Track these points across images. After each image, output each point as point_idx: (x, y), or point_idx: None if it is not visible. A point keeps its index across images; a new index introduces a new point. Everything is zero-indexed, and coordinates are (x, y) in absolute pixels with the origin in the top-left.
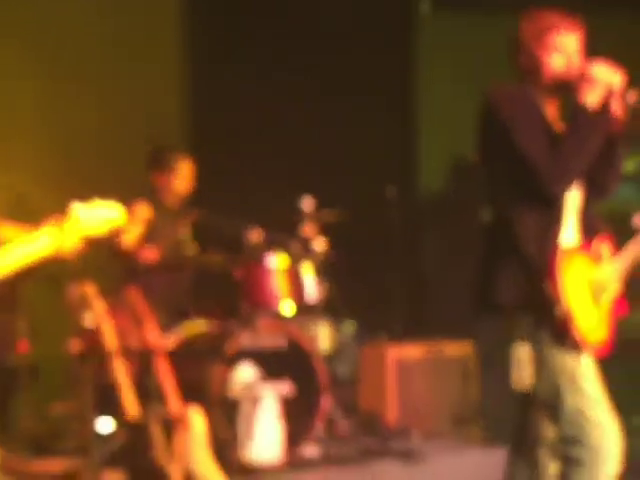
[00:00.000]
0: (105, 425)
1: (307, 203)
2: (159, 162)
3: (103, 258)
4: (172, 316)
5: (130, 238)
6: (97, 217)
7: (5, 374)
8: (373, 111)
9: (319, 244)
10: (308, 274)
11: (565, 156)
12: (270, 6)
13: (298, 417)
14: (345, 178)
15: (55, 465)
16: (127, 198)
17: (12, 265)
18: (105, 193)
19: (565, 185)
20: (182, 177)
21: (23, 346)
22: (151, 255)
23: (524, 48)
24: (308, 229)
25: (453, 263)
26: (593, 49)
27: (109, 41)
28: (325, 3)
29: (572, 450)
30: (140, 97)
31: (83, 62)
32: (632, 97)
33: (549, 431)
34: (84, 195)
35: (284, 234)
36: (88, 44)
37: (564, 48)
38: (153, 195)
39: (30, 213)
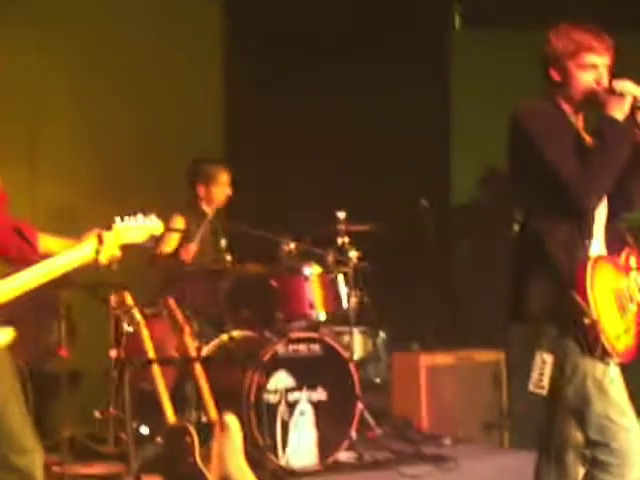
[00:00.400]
0: (144, 430)
1: (342, 216)
2: (200, 173)
3: (143, 269)
4: (209, 325)
5: (168, 249)
6: (137, 230)
7: (47, 379)
8: (406, 125)
9: (353, 255)
10: (342, 284)
11: (595, 170)
12: (304, 20)
13: (332, 423)
14: (380, 191)
15: (96, 469)
16: (167, 209)
17: (54, 272)
18: (147, 204)
19: (596, 199)
20: (221, 187)
21: (64, 352)
22: (188, 254)
23: (557, 63)
24: (343, 241)
25: (484, 273)
26: (620, 66)
27: (154, 58)
28: (358, 19)
29: (599, 454)
30: (182, 112)
31: (130, 79)
32: None
33: (577, 436)
34: (126, 206)
35: (320, 245)
36: (135, 61)
37: (595, 65)
38: (193, 206)
39: (77, 223)
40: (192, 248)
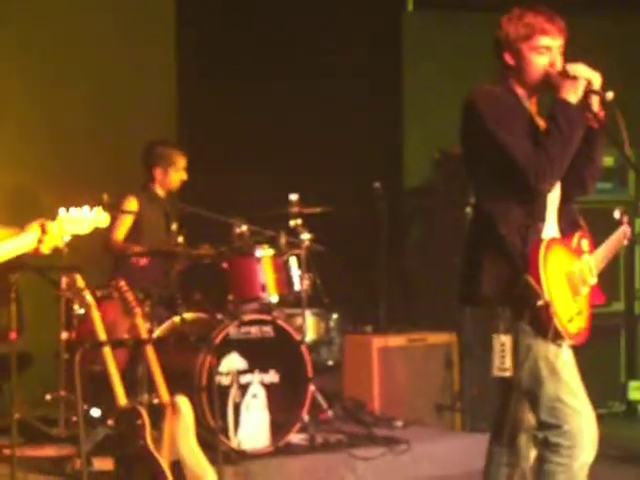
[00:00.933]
0: (95, 412)
1: (294, 198)
2: (159, 155)
3: (94, 250)
4: (161, 307)
5: (120, 232)
6: (82, 222)
7: None
8: (359, 109)
9: (306, 238)
10: (294, 266)
11: (549, 153)
12: (256, 5)
13: (284, 405)
14: (333, 174)
15: (47, 451)
16: (120, 191)
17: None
18: (100, 186)
19: (552, 181)
20: (179, 171)
21: (14, 335)
22: (145, 246)
23: (510, 47)
24: (296, 223)
25: (437, 256)
26: (573, 48)
27: (106, 42)
28: (311, 4)
29: (550, 435)
30: (135, 95)
31: (82, 62)
32: (609, 95)
33: (529, 418)
34: (79, 188)
35: (272, 228)
36: (86, 44)
37: (548, 48)
38: (147, 188)
39: (31, 208)
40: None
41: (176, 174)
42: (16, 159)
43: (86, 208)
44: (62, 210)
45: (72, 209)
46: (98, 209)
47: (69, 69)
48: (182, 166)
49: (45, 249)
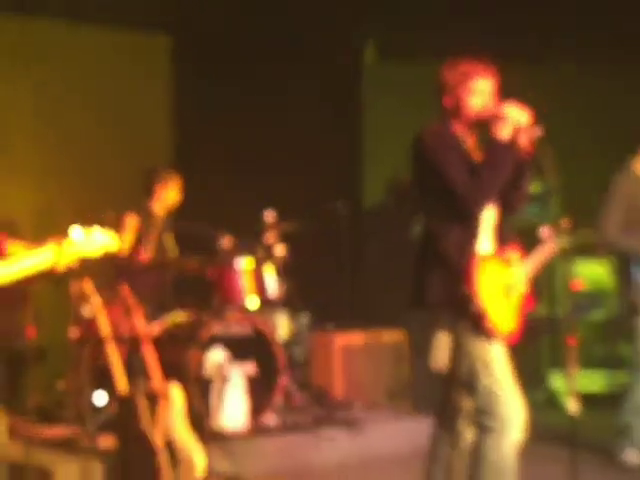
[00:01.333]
0: (100, 398)
1: (269, 215)
2: (159, 178)
3: (100, 261)
4: (156, 308)
5: (123, 244)
6: (94, 246)
7: (17, 355)
8: (329, 142)
9: (279, 249)
10: (270, 274)
11: (482, 182)
12: (240, 45)
13: (260, 392)
14: (304, 195)
15: (58, 431)
16: (121, 207)
17: (18, 273)
18: (108, 203)
19: (483, 206)
20: (175, 192)
21: (31, 332)
22: (144, 257)
23: (449, 91)
24: (270, 237)
25: (391, 267)
26: (504, 91)
27: (113, 77)
28: (285, 50)
29: (485, 420)
30: (137, 129)
31: (93, 95)
32: (537, 132)
33: (466, 404)
34: (89, 203)
35: (250, 241)
36: (97, 78)
37: (482, 91)
38: (144, 206)
39: (50, 224)
40: (147, 254)
41: (172, 194)
42: (38, 182)
43: (98, 229)
44: (76, 230)
45: (85, 229)
46: (110, 232)
47: (83, 102)
48: (177, 188)
49: (60, 267)
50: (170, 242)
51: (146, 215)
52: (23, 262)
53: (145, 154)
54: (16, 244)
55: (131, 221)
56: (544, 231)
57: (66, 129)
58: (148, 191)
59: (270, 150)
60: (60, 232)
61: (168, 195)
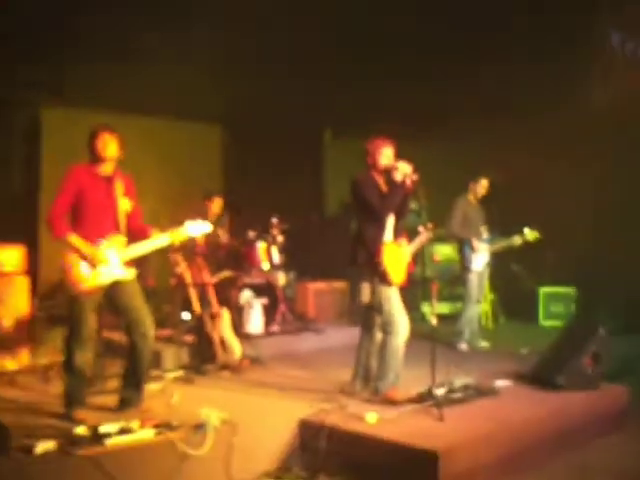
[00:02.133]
0: (185, 316)
1: (274, 219)
2: (210, 198)
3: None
4: (215, 268)
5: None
6: (196, 229)
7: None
8: (307, 182)
9: (280, 238)
10: (275, 251)
11: (386, 203)
12: (260, 136)
13: (270, 313)
14: (293, 209)
15: (164, 332)
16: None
17: (152, 247)
18: (187, 213)
19: (387, 215)
20: (219, 206)
21: (151, 281)
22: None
23: (370, 154)
24: (275, 231)
25: (339, 248)
26: (398, 155)
27: (185, 147)
28: (283, 135)
29: (387, 327)
30: (198, 182)
31: (175, 158)
32: (415, 177)
33: (378, 320)
34: (176, 213)
35: (264, 233)
36: (178, 150)
37: (387, 154)
38: (204, 215)
39: (152, 221)
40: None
41: (217, 207)
42: (155, 203)
43: (199, 221)
44: (187, 222)
45: (192, 222)
46: (206, 222)
47: (167, 167)
48: (220, 204)
49: (176, 242)
50: (223, 233)
51: (205, 217)
52: (155, 241)
53: (203, 191)
54: (156, 231)
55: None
56: (420, 230)
57: (162, 179)
58: (205, 204)
59: (276, 188)
60: (175, 226)
61: (216, 208)
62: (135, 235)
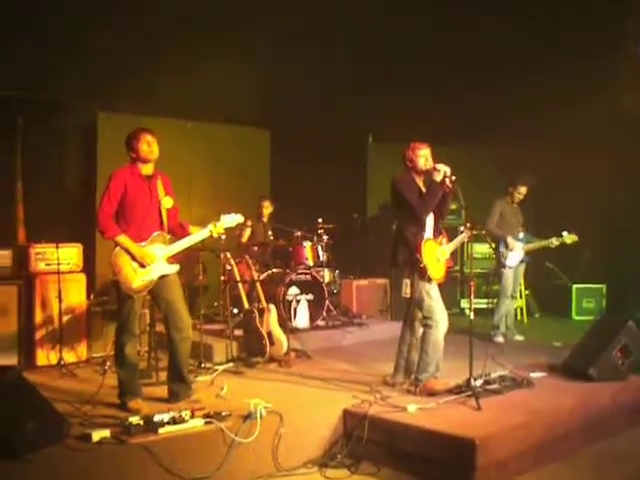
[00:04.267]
0: (235, 310)
1: (319, 221)
2: (260, 200)
3: (234, 243)
4: (263, 266)
5: (244, 237)
6: (231, 221)
7: (194, 289)
8: (351, 184)
9: (325, 238)
10: (320, 250)
11: (425, 202)
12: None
13: (316, 308)
14: (337, 211)
15: (215, 327)
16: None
17: (195, 241)
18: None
19: (426, 214)
20: (267, 208)
21: (200, 279)
22: (258, 240)
23: (408, 157)
24: (320, 231)
25: (380, 247)
26: (436, 156)
27: (236, 153)
28: (328, 139)
29: (427, 321)
30: (249, 182)
31: (226, 169)
32: (453, 178)
33: (418, 314)
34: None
35: (311, 233)
36: (229, 156)
37: (425, 155)
38: (257, 215)
39: (203, 221)
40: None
41: (268, 210)
42: (201, 203)
43: (233, 214)
44: (223, 215)
45: (227, 215)
46: (239, 214)
47: (221, 168)
48: (270, 206)
49: (215, 235)
50: (270, 232)
51: (257, 219)
52: (197, 235)
53: (253, 193)
54: (193, 227)
55: (248, 223)
56: (461, 228)
57: (213, 181)
58: (257, 207)
59: (321, 189)
60: (213, 220)
61: (268, 210)
62: (174, 232)
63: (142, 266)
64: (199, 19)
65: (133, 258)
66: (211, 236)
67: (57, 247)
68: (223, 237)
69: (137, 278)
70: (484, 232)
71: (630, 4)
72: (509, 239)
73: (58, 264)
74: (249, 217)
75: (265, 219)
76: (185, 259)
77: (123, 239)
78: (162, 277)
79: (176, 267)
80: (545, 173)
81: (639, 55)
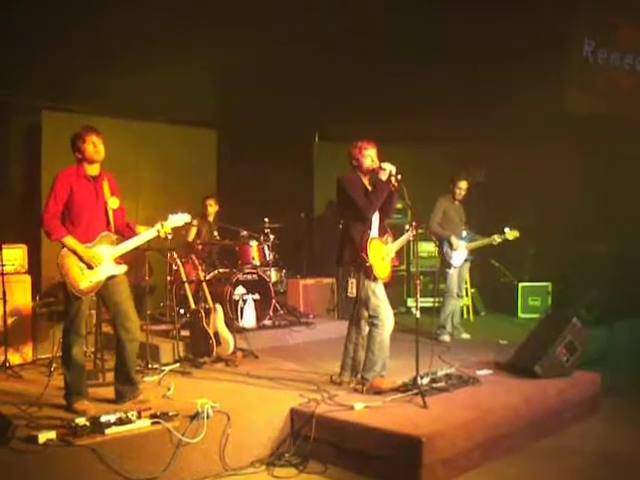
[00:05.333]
0: (181, 311)
1: (266, 220)
2: (205, 199)
3: (180, 242)
4: (209, 265)
5: (190, 236)
6: (178, 220)
7: (140, 290)
8: (297, 182)
9: (271, 237)
10: (267, 249)
11: (372, 201)
12: (251, 139)
13: (262, 308)
14: (283, 209)
15: (162, 327)
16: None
17: (141, 241)
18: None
19: (372, 213)
20: (213, 206)
21: (147, 279)
22: (202, 239)
23: (354, 156)
24: (266, 230)
25: (327, 246)
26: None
27: (180, 158)
28: (275, 137)
29: (374, 320)
30: (194, 181)
31: (172, 163)
32: (399, 177)
33: (364, 313)
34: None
35: (257, 232)
36: (172, 154)
37: (371, 155)
38: (202, 215)
39: (150, 221)
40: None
41: (213, 209)
42: (147, 201)
43: (180, 214)
44: (170, 215)
45: (173, 214)
46: (185, 214)
47: (165, 168)
48: (215, 205)
49: (162, 235)
50: (215, 233)
51: (202, 219)
52: (144, 235)
53: (199, 193)
54: (140, 227)
55: (194, 222)
56: (406, 227)
57: (160, 181)
58: (203, 206)
59: (267, 188)
60: (160, 220)
61: (213, 209)
62: (121, 233)
63: (89, 267)
64: (147, 17)
65: (80, 259)
66: (158, 236)
67: (1, 248)
68: (170, 237)
69: (85, 279)
70: (428, 231)
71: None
72: (453, 239)
73: (2, 265)
74: (195, 216)
75: (211, 218)
76: (132, 259)
77: (70, 240)
78: (110, 278)
79: (124, 267)
80: (491, 170)
81: (584, 51)
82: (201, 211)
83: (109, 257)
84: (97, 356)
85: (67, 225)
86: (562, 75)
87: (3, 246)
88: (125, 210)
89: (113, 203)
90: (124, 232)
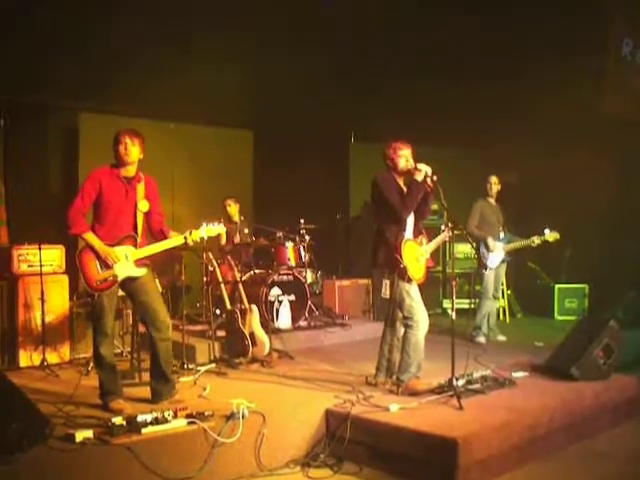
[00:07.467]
0: (217, 311)
1: (302, 221)
2: (223, 200)
3: (214, 245)
4: (245, 266)
5: (222, 240)
6: (211, 230)
7: (176, 290)
8: (333, 183)
9: (307, 238)
10: (302, 250)
11: (406, 202)
12: (288, 141)
13: (297, 309)
14: (320, 210)
15: (197, 327)
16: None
17: (164, 248)
18: (212, 217)
19: (407, 214)
20: (232, 206)
21: (180, 278)
22: (236, 240)
23: (388, 156)
24: (303, 232)
25: (363, 247)
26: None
27: (217, 159)
28: (309, 138)
29: (408, 321)
30: (230, 183)
31: (208, 165)
32: (435, 178)
33: (399, 314)
34: (203, 215)
35: (293, 233)
36: (211, 156)
37: (406, 155)
38: (227, 217)
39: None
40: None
41: (232, 209)
42: (182, 200)
43: (215, 224)
44: (204, 223)
45: (207, 223)
46: (220, 224)
47: (203, 169)
48: (234, 204)
49: (190, 242)
50: (248, 233)
51: (228, 221)
52: (169, 241)
53: (235, 194)
54: (173, 233)
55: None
56: (443, 227)
57: (195, 182)
58: (225, 209)
59: (303, 189)
60: (193, 226)
61: (234, 211)
62: (155, 236)
63: (106, 265)
64: (185, 20)
65: (97, 256)
66: (185, 243)
67: (40, 248)
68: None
69: (100, 277)
70: (465, 232)
71: (615, 3)
72: (489, 240)
73: (41, 265)
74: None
75: (235, 218)
76: (168, 259)
77: (89, 236)
78: (134, 279)
79: (143, 270)
80: (528, 172)
81: (623, 54)
82: (225, 214)
83: (128, 257)
84: (133, 356)
85: (94, 223)
86: (600, 77)
87: (42, 247)
88: (163, 215)
89: (143, 206)
90: (157, 236)
